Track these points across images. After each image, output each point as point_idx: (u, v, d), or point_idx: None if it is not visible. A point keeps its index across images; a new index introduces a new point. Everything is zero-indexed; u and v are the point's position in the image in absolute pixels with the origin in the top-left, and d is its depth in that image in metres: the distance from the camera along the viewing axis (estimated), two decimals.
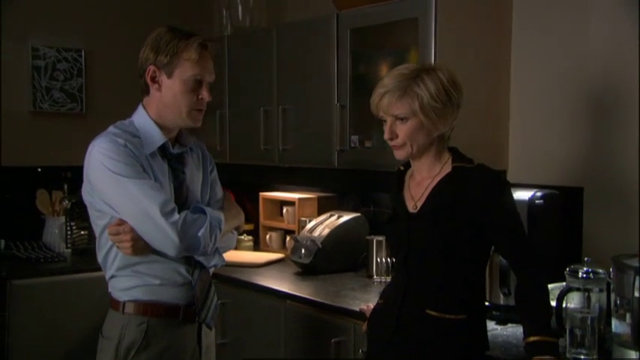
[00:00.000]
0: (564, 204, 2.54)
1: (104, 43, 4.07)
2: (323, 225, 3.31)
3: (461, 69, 2.65)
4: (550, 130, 2.75)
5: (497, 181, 1.96)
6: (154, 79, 2.10)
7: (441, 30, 2.58)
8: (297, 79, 3.23)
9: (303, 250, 3.22)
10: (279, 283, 3.04)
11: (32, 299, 3.28)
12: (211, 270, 2.24)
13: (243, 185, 4.00)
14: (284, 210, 3.71)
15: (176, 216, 2.01)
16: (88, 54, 4.02)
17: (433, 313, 1.93)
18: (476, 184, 1.92)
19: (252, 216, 3.96)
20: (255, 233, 3.92)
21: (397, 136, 1.96)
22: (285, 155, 3.30)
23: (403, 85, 1.92)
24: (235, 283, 3.12)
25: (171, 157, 2.16)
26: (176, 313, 2.10)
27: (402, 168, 2.14)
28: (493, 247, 2.03)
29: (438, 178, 1.98)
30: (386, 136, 1.98)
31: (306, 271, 3.20)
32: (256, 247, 3.84)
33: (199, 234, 2.04)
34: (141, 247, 2.03)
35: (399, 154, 2.00)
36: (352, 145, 2.95)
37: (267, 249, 3.78)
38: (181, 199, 2.14)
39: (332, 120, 3.00)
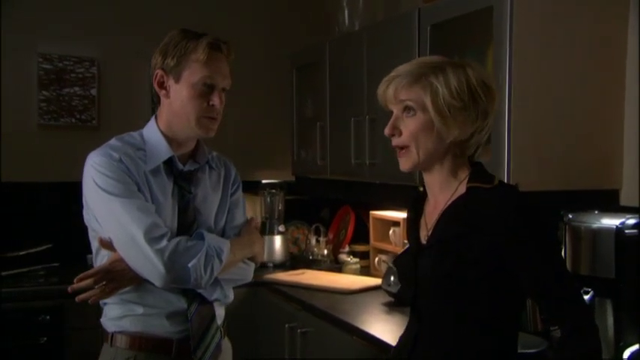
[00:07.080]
0: None
1: None
2: None
3: (546, 66, 2.20)
4: None
5: (518, 204, 1.49)
6: (161, 85, 1.92)
7: (519, 20, 2.13)
8: None
9: (392, 277, 2.86)
10: (357, 314, 2.69)
11: None
12: (216, 305, 1.97)
13: (357, 203, 3.72)
14: (390, 231, 3.36)
15: (164, 242, 1.78)
16: None
17: None
18: (491, 209, 1.49)
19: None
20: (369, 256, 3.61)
21: (400, 134, 1.57)
22: (373, 170, 2.96)
23: (418, 72, 1.54)
24: (312, 311, 2.84)
25: (179, 174, 1.95)
26: (168, 349, 1.88)
27: (421, 189, 1.73)
28: None
29: (450, 202, 1.57)
30: (386, 131, 1.58)
31: (397, 301, 2.83)
32: (366, 270, 3.53)
33: (190, 265, 1.79)
34: (128, 279, 1.85)
35: (403, 163, 1.59)
36: None
37: (376, 273, 3.44)
38: (187, 222, 1.92)
39: None
